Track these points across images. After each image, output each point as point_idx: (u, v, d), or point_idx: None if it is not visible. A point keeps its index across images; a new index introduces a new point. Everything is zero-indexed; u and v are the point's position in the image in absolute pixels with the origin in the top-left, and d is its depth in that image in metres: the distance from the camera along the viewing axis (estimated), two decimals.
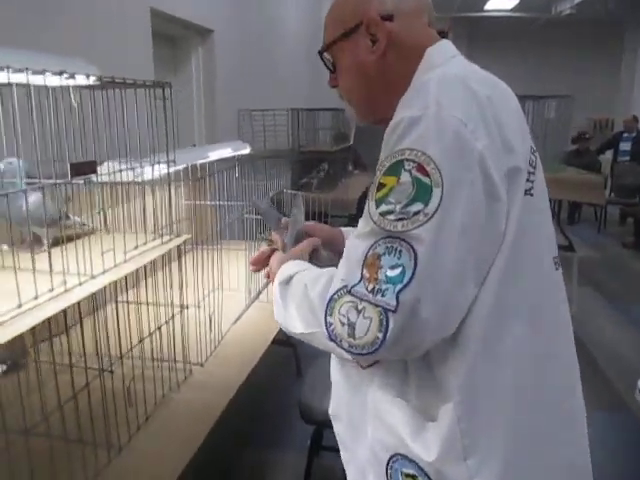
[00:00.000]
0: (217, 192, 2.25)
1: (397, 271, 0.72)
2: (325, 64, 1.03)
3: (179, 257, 1.53)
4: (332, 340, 0.77)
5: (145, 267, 1.38)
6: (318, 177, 4.31)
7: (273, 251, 1.09)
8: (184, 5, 2.99)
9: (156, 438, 1.28)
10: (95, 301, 1.42)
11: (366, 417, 0.92)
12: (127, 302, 1.44)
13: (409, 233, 0.73)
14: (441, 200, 0.73)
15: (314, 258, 1.06)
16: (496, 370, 0.82)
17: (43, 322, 1.01)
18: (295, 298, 0.89)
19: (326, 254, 1.10)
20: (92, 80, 1.10)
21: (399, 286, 0.71)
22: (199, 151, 2.05)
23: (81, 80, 1.07)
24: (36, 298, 0.96)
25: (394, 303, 0.71)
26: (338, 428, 1.01)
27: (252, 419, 1.54)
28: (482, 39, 10.80)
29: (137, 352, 1.40)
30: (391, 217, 0.75)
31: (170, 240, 1.37)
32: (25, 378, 1.37)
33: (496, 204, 0.78)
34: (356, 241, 0.79)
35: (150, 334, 1.37)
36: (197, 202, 1.97)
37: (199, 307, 1.57)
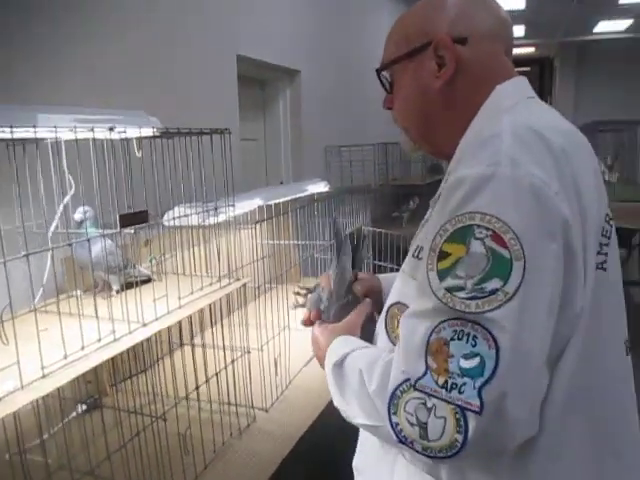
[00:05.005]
0: (295, 231, 2.26)
1: (474, 362, 0.62)
2: (382, 83, 0.94)
3: (245, 300, 1.53)
4: (402, 442, 0.67)
5: (212, 310, 1.39)
6: (409, 210, 4.22)
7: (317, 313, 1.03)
8: (270, 50, 3.09)
9: None
10: (161, 344, 1.45)
11: None
12: (193, 346, 1.45)
13: (485, 316, 0.62)
14: (523, 276, 0.63)
15: (366, 328, 0.96)
16: (555, 468, 0.71)
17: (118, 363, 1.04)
18: (352, 386, 0.78)
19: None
20: (145, 133, 1.13)
21: (479, 381, 0.61)
22: (273, 191, 2.07)
23: (133, 133, 1.10)
24: (83, 349, 0.98)
25: (477, 403, 0.61)
26: None
27: (315, 471, 1.48)
28: (592, 64, 10.16)
29: (202, 397, 1.40)
30: (461, 294, 0.64)
31: (229, 284, 1.37)
32: (100, 419, 1.42)
33: (575, 281, 0.68)
34: (413, 321, 0.69)
35: (207, 380, 1.36)
36: (268, 242, 1.98)
37: (262, 350, 1.54)
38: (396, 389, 0.67)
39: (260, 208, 1.87)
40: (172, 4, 2.23)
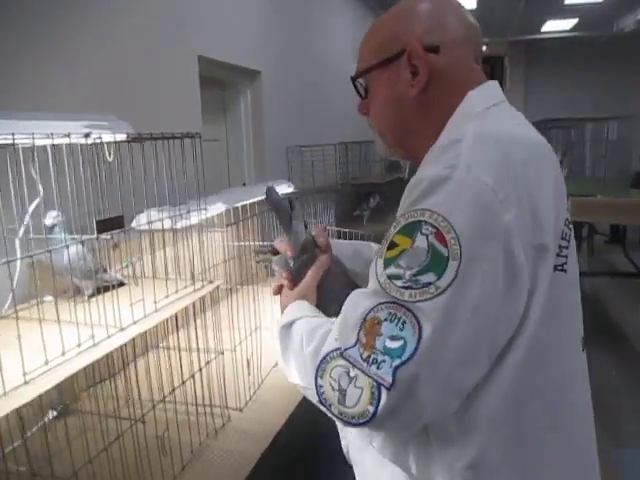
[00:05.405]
0: (262, 232, 2.28)
1: (397, 344, 0.67)
2: (357, 90, 0.97)
3: (217, 301, 1.54)
4: (322, 404, 0.73)
5: (185, 312, 1.40)
6: (369, 209, 4.29)
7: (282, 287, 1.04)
8: (231, 50, 3.09)
9: None
10: (135, 348, 1.45)
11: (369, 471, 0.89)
12: (167, 348, 1.46)
13: (416, 305, 0.67)
14: (456, 275, 0.67)
15: (325, 284, 1.00)
16: (507, 456, 0.75)
17: (89, 368, 1.04)
18: (294, 347, 0.85)
19: (339, 270, 1.05)
20: (119, 138, 1.13)
21: (397, 361, 0.66)
22: (239, 193, 2.08)
23: (108, 138, 1.10)
24: (63, 354, 0.98)
25: (390, 380, 0.66)
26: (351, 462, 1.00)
27: (291, 467, 1.52)
28: (540, 62, 10.49)
29: (177, 399, 1.41)
30: (399, 283, 0.69)
31: (203, 287, 1.38)
32: (73, 424, 1.41)
33: (515, 283, 0.71)
34: (357, 298, 0.74)
35: (183, 382, 1.37)
36: (235, 244, 1.99)
37: (235, 351, 1.56)
38: (327, 355, 0.73)
39: (227, 210, 1.89)
40: (132, 5, 2.22)
